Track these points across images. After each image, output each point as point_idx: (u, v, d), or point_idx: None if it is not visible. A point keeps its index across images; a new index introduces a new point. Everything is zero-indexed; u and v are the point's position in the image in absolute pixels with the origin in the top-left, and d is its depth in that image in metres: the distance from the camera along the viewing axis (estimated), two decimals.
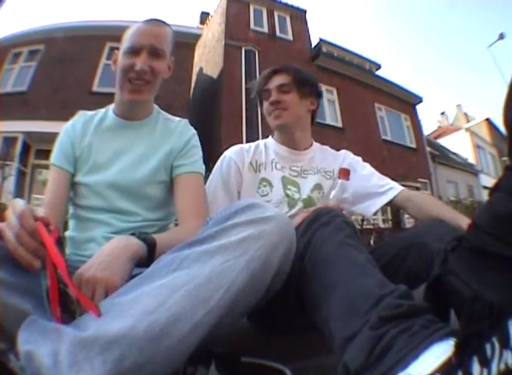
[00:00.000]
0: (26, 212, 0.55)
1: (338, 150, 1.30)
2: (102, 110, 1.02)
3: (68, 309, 0.52)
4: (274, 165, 1.16)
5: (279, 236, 0.57)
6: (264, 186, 1.12)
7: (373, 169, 1.21)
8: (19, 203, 0.58)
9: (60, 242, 0.57)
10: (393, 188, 1.12)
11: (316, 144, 1.26)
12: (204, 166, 0.99)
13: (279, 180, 1.13)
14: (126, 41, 0.92)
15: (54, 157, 0.95)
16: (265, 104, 1.17)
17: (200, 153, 1.00)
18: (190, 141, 0.98)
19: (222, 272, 0.52)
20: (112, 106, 1.01)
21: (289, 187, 1.13)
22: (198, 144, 1.01)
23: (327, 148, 1.28)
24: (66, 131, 0.97)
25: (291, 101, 1.14)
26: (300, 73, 1.18)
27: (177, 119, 1.05)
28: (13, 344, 0.46)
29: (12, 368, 0.48)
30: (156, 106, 1.04)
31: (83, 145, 0.94)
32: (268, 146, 1.22)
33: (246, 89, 8.22)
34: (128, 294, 0.51)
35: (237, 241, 0.54)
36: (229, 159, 1.15)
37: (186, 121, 1.04)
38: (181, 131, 1.00)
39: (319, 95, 1.24)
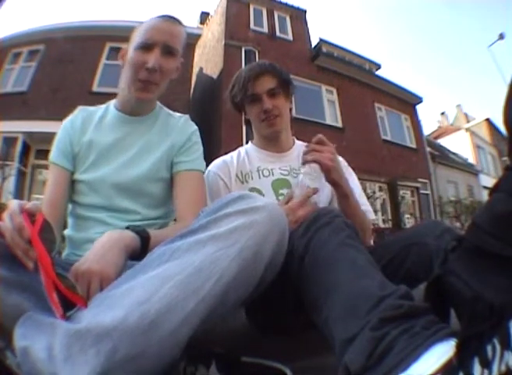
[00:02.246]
0: (16, 212, 0.57)
1: (337, 151, 1.28)
2: (103, 106, 1.00)
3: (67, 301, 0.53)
4: (261, 172, 1.14)
5: (270, 225, 0.57)
6: None
7: (357, 181, 1.18)
8: (12, 203, 0.59)
9: (47, 226, 0.58)
10: (369, 212, 1.09)
11: (298, 142, 1.24)
12: (204, 163, 0.98)
13: (268, 187, 1.11)
14: (138, 36, 0.89)
15: (52, 155, 0.93)
16: (255, 109, 1.13)
17: (201, 150, 0.99)
18: (191, 138, 0.97)
19: (212, 261, 0.52)
20: (113, 102, 0.99)
21: (280, 191, 1.11)
22: (199, 140, 1.00)
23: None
24: (65, 128, 0.95)
25: (282, 106, 1.13)
26: (282, 72, 1.14)
27: (178, 114, 1.03)
28: (11, 342, 0.47)
29: (9, 365, 0.48)
30: (158, 102, 1.03)
31: (82, 142, 0.92)
32: (250, 153, 1.19)
33: None
34: (121, 287, 0.51)
35: (228, 230, 0.54)
36: (214, 175, 1.12)
37: (187, 117, 1.03)
38: (182, 127, 0.98)
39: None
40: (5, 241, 0.56)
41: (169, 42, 0.88)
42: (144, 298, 0.47)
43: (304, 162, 0.92)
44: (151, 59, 0.86)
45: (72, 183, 0.92)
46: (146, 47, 0.87)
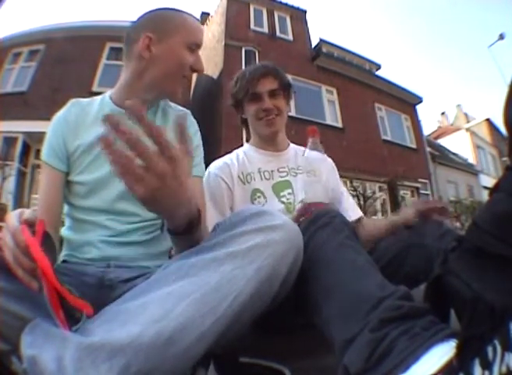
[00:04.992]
0: (17, 230, 0.55)
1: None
2: (97, 99, 0.93)
3: (72, 315, 0.52)
4: (262, 174, 1.15)
5: (288, 245, 0.56)
6: (259, 197, 1.11)
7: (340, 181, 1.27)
8: (12, 220, 0.57)
9: (48, 237, 0.57)
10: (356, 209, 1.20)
11: (291, 144, 1.27)
12: (204, 168, 0.95)
13: (270, 190, 1.12)
14: (189, 34, 0.87)
15: (45, 153, 0.87)
16: (254, 107, 1.15)
17: (202, 153, 0.95)
18: (193, 139, 0.91)
19: (229, 280, 0.51)
20: (108, 94, 0.92)
21: (282, 193, 1.12)
22: (201, 142, 0.95)
23: (301, 147, 1.26)
24: (58, 124, 0.88)
25: (282, 106, 1.16)
26: (283, 75, 1.18)
27: (179, 108, 0.97)
28: (15, 347, 0.47)
29: (14, 370, 0.48)
30: None
31: (79, 144, 0.86)
32: (249, 154, 1.20)
33: None
34: (135, 301, 0.51)
35: (246, 249, 0.53)
36: (215, 177, 1.12)
37: (188, 112, 0.97)
38: None
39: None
40: (1, 254, 0.55)
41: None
42: (159, 315, 0.47)
43: None
44: (199, 62, 0.89)
45: (67, 183, 0.87)
46: (196, 48, 0.88)
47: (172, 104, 0.97)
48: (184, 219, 0.57)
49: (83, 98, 0.94)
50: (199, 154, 0.93)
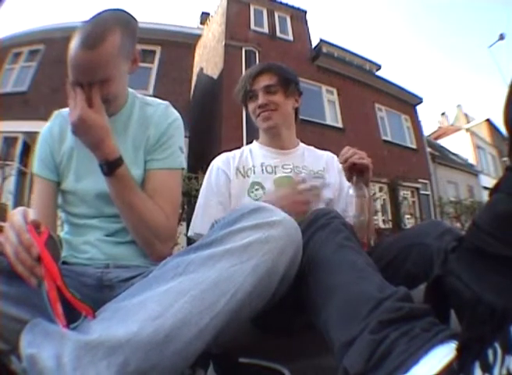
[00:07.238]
0: (22, 228, 0.55)
1: (337, 151, 1.27)
2: None
3: (71, 314, 0.52)
4: (264, 168, 1.14)
5: (286, 241, 0.56)
6: (257, 189, 1.10)
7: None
8: (17, 217, 0.58)
9: (53, 240, 0.58)
10: None
11: (302, 144, 1.26)
12: (180, 159, 0.89)
13: (271, 183, 1.11)
14: None
15: (35, 166, 0.90)
16: (252, 105, 1.17)
17: (178, 143, 0.89)
18: (167, 131, 0.88)
19: (228, 277, 0.51)
20: None
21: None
22: (177, 131, 0.90)
23: (312, 148, 1.27)
24: (44, 137, 0.91)
25: (279, 102, 1.14)
26: (283, 71, 1.17)
27: (157, 101, 0.94)
28: (16, 347, 0.47)
29: (13, 369, 0.48)
30: (132, 91, 0.93)
31: (63, 151, 0.88)
32: (254, 151, 1.21)
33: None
34: (133, 298, 0.51)
35: (244, 245, 0.54)
36: (217, 169, 1.14)
37: (166, 105, 0.93)
38: (159, 119, 0.89)
39: (301, 92, 1.23)
40: (3, 257, 0.55)
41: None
42: (158, 312, 0.47)
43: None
44: None
45: (61, 192, 0.90)
46: None
47: (150, 99, 0.94)
48: (102, 158, 0.74)
49: (66, 108, 0.90)
50: (171, 145, 0.88)
